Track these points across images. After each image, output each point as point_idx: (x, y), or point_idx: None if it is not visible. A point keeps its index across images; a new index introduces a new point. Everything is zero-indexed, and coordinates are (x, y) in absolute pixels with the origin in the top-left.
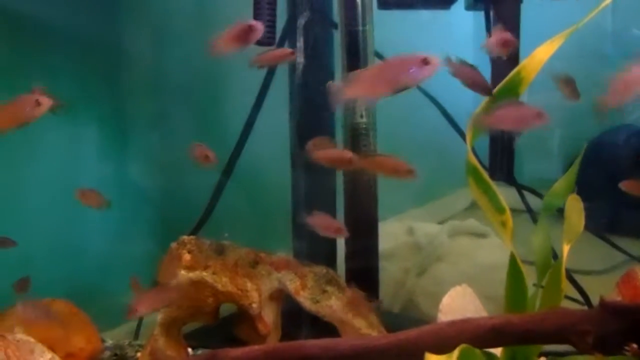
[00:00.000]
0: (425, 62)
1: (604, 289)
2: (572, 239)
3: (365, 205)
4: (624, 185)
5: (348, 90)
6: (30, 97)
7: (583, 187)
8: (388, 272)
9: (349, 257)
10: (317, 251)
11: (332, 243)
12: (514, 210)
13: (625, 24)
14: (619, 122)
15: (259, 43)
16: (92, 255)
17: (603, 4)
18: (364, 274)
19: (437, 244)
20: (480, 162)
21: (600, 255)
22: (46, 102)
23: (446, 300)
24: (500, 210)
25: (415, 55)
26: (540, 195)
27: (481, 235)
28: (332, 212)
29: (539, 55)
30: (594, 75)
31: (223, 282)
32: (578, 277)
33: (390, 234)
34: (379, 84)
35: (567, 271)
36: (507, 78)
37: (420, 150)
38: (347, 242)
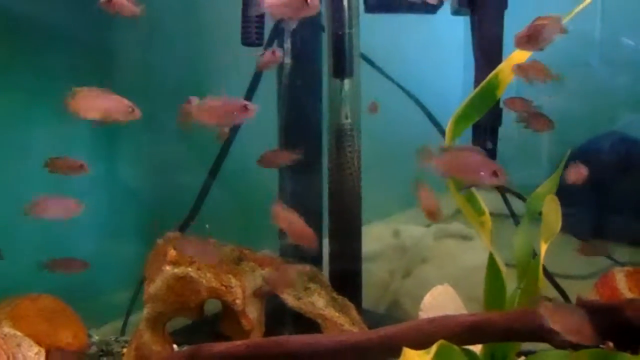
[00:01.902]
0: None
1: (587, 294)
2: (549, 238)
3: (350, 207)
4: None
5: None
6: (127, 103)
7: (569, 193)
8: (373, 273)
9: (332, 258)
10: (303, 252)
11: (318, 244)
12: (498, 215)
13: (614, 33)
14: (606, 129)
15: (248, 44)
16: (80, 254)
17: (581, 6)
18: (347, 276)
19: (423, 246)
20: None
21: (585, 261)
22: (136, 113)
23: (427, 299)
24: (479, 211)
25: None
26: (522, 198)
27: (466, 238)
28: (318, 213)
29: (515, 59)
30: (584, 82)
31: (207, 278)
32: (562, 282)
33: (376, 236)
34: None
35: (547, 272)
36: (484, 81)
37: (406, 152)
38: (331, 244)
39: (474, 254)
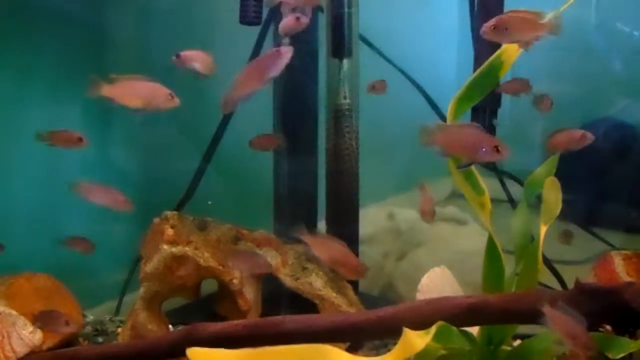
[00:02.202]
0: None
1: (584, 278)
2: (549, 220)
3: (347, 188)
4: None
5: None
6: (166, 90)
7: (564, 180)
8: (368, 256)
9: None
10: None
11: (314, 227)
12: (496, 201)
13: (610, 19)
14: (600, 114)
15: (246, 22)
16: (75, 235)
17: None
18: None
19: (417, 230)
20: None
21: (581, 246)
22: (176, 102)
23: (425, 280)
24: (479, 191)
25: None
26: (520, 181)
27: (461, 222)
28: (313, 196)
29: None
30: (579, 68)
31: (205, 257)
32: (558, 267)
33: (371, 219)
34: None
35: (545, 257)
36: (487, 61)
37: (403, 135)
38: (328, 225)
39: (468, 238)
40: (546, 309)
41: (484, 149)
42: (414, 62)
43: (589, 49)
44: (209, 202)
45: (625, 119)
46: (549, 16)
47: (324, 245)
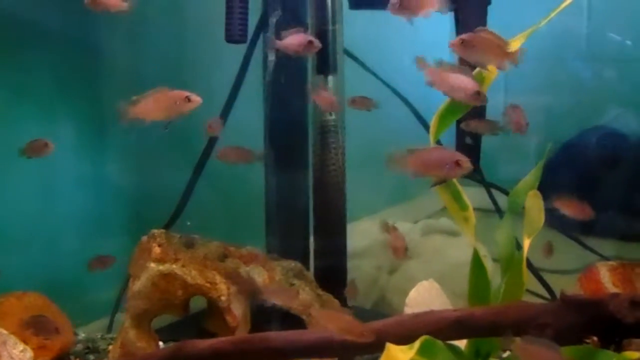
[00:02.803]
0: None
1: (572, 288)
2: (532, 233)
3: (334, 203)
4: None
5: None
6: (181, 93)
7: (555, 189)
8: (360, 269)
9: (317, 254)
10: (290, 248)
11: (306, 240)
12: (485, 211)
13: (601, 28)
14: (592, 123)
15: (232, 40)
16: (67, 251)
17: (563, 5)
18: (332, 272)
19: (410, 242)
20: None
21: (573, 256)
22: (196, 100)
23: (413, 294)
24: (463, 206)
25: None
26: (506, 192)
27: (453, 234)
28: (305, 210)
29: None
30: (571, 77)
31: (192, 275)
32: (548, 277)
33: (364, 232)
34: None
35: (532, 267)
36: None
37: (394, 149)
38: (315, 240)
39: (461, 249)
40: (516, 345)
41: (447, 166)
42: (403, 76)
43: (582, 58)
44: (188, 223)
45: (618, 127)
46: (516, 45)
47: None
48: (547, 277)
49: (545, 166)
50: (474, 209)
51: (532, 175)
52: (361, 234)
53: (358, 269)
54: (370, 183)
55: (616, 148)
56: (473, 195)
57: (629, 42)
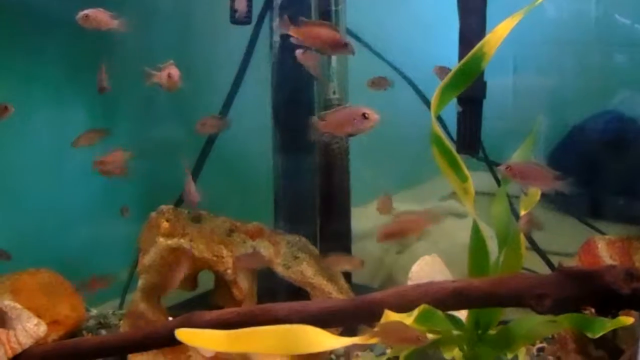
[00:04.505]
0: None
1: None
2: (529, 205)
3: (338, 182)
4: None
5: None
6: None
7: (565, 172)
8: (368, 250)
9: (322, 235)
10: (298, 231)
11: (313, 223)
12: (491, 195)
13: (609, 11)
14: (601, 108)
15: (237, 22)
16: (79, 235)
17: None
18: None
19: None
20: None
21: (581, 239)
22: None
23: (415, 268)
24: (462, 178)
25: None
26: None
27: (460, 216)
28: (313, 193)
29: (500, 31)
30: (579, 62)
31: (199, 249)
32: (555, 260)
33: (372, 214)
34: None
35: (536, 245)
36: (470, 53)
37: (403, 135)
38: (320, 220)
39: (468, 231)
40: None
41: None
42: (406, 57)
43: (590, 42)
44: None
45: (627, 111)
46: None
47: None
48: (554, 260)
49: (554, 150)
50: (483, 193)
51: (524, 147)
52: (369, 216)
53: (366, 251)
54: (380, 166)
55: (625, 132)
56: (480, 179)
57: (638, 26)
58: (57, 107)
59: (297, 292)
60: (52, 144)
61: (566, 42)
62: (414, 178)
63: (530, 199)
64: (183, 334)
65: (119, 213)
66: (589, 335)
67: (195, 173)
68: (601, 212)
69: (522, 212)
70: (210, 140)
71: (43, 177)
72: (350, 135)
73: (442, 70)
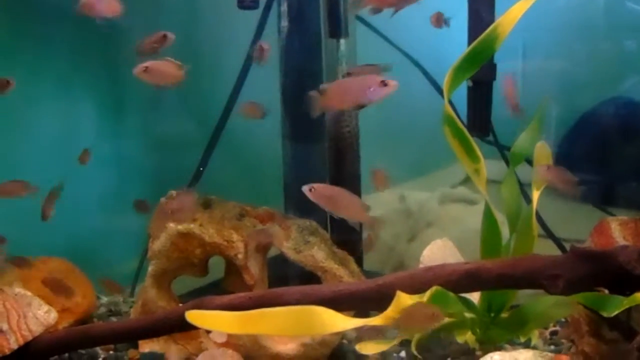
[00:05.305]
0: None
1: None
2: (540, 185)
3: (349, 166)
4: None
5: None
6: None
7: (575, 160)
8: (379, 237)
9: (332, 221)
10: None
11: (323, 210)
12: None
13: None
14: (612, 94)
15: (243, 7)
16: (90, 226)
17: None
18: (347, 241)
19: (427, 210)
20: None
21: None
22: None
23: (426, 252)
24: (474, 159)
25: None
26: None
27: (471, 203)
28: (323, 180)
29: (514, 12)
30: (589, 47)
31: (210, 234)
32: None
33: (383, 202)
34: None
35: (553, 234)
36: (483, 34)
37: (415, 123)
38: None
39: (479, 217)
40: None
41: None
42: (417, 43)
43: (600, 27)
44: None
45: (636, 97)
46: None
47: None
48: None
49: (565, 136)
50: (493, 181)
51: (531, 128)
52: (380, 203)
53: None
54: (390, 155)
55: (635, 117)
56: (491, 167)
57: None
58: (66, 98)
59: (308, 281)
60: (62, 135)
61: (576, 27)
62: (425, 166)
63: (542, 176)
64: (193, 316)
65: (129, 203)
66: (604, 314)
67: (204, 161)
68: (612, 198)
69: (535, 190)
70: (219, 128)
71: (52, 168)
72: (360, 107)
73: (439, 18)
